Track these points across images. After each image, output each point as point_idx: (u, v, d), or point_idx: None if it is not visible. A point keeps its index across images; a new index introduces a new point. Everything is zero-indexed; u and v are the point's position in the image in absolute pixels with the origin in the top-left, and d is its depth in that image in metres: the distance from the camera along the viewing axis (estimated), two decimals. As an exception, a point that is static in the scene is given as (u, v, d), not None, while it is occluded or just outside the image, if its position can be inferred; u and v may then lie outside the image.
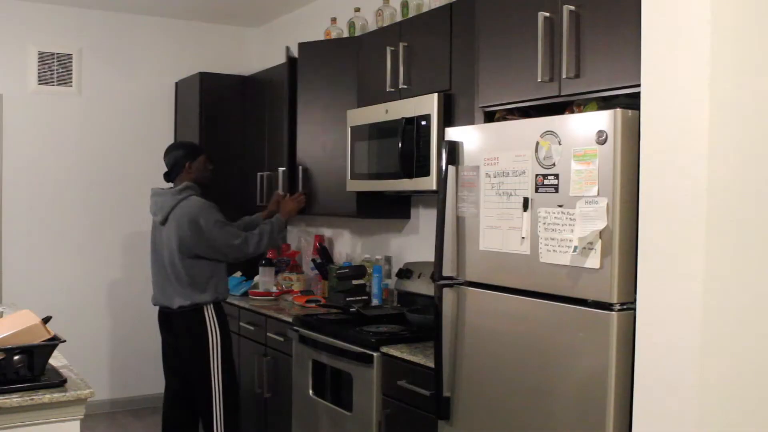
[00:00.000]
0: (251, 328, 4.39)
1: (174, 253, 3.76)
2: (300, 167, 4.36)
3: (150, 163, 5.66)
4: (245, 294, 4.81)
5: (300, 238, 5.12)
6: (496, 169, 2.45)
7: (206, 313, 3.79)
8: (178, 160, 3.88)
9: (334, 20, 4.58)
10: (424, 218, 4.03)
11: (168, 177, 3.95)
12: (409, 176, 3.39)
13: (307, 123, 4.40)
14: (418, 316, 3.46)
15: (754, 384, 1.99)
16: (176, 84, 5.73)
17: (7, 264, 5.25)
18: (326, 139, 4.26)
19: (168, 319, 3.89)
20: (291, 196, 4.26)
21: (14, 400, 2.23)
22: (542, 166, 2.28)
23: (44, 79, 5.30)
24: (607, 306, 2.09)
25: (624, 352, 2.07)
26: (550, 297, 2.27)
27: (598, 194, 2.10)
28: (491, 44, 2.69)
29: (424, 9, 3.79)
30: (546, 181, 2.27)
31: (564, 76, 2.37)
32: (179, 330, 3.83)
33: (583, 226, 2.13)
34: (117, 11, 5.50)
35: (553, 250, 2.23)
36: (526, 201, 2.33)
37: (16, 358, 2.30)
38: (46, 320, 2.48)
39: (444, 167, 2.60)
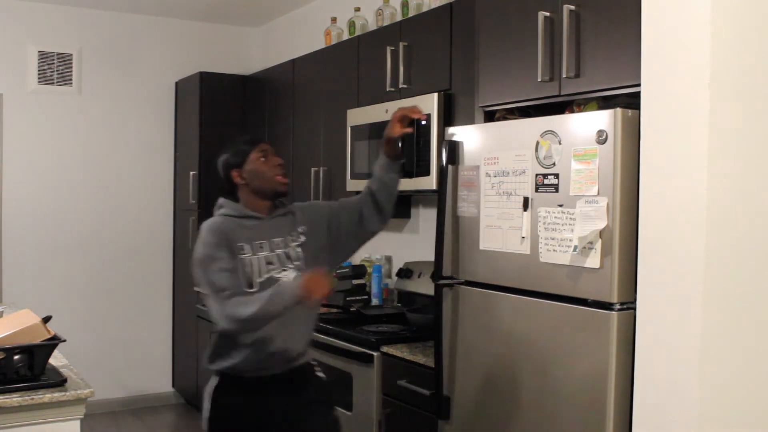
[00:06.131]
0: (251, 328, 4.39)
1: None
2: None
3: (150, 162, 5.68)
4: (245, 294, 4.81)
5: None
6: (496, 168, 2.45)
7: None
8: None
9: (334, 20, 4.58)
10: (424, 218, 4.03)
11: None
12: (409, 176, 3.39)
13: (306, 123, 4.41)
14: (418, 315, 3.46)
15: (754, 384, 1.99)
16: (176, 84, 5.73)
17: (7, 264, 5.25)
18: (326, 138, 4.26)
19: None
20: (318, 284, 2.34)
21: (14, 399, 2.23)
22: (542, 166, 2.28)
23: (44, 78, 5.29)
24: (607, 306, 2.09)
25: (624, 352, 2.07)
26: (550, 297, 2.26)
27: (598, 194, 2.10)
28: (491, 44, 2.68)
29: (424, 9, 3.78)
30: (546, 181, 2.27)
31: (564, 75, 2.37)
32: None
33: (583, 226, 2.13)
34: (117, 11, 5.50)
35: (553, 250, 2.23)
36: (526, 201, 2.33)
37: (16, 357, 2.30)
38: (46, 320, 2.48)
39: (444, 167, 2.60)
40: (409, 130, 2.60)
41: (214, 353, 2.55)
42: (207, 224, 2.51)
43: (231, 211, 2.54)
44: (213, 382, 2.55)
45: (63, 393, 2.30)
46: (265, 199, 2.56)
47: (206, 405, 2.53)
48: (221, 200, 2.60)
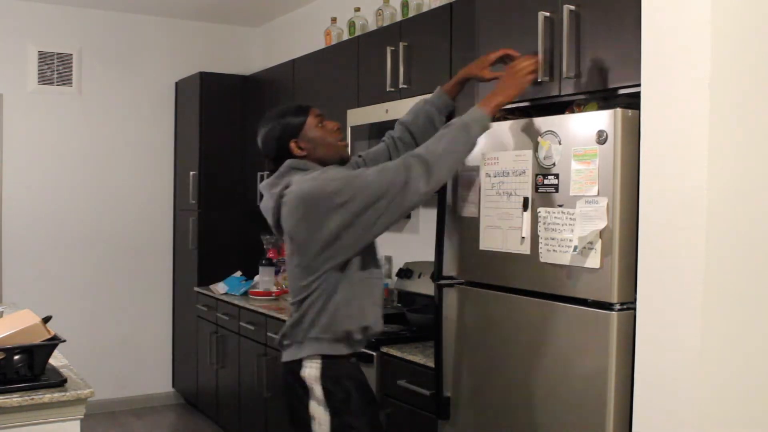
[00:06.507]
0: (251, 327, 4.39)
1: None
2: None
3: (150, 162, 5.68)
4: (245, 294, 4.82)
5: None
6: (496, 168, 2.44)
7: None
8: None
9: (334, 20, 4.58)
10: (424, 218, 4.03)
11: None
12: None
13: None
14: (418, 316, 3.46)
15: (754, 384, 1.99)
16: (176, 84, 5.74)
17: (7, 264, 5.25)
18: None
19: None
20: (522, 60, 2.37)
21: (14, 399, 2.23)
22: (542, 166, 2.28)
23: (44, 79, 5.30)
24: (607, 306, 2.09)
25: (624, 352, 2.07)
26: (550, 297, 2.26)
27: (598, 194, 2.10)
28: (491, 44, 2.68)
29: (424, 9, 3.78)
30: (546, 181, 2.27)
31: (564, 76, 2.36)
32: None
33: (583, 226, 2.13)
34: (117, 11, 5.50)
35: (553, 250, 2.23)
36: (526, 201, 2.33)
37: (16, 357, 2.30)
38: (46, 320, 2.48)
39: (444, 167, 2.60)
40: (502, 74, 2.39)
41: (323, 325, 2.29)
42: (306, 183, 2.23)
43: (310, 175, 2.26)
44: (316, 390, 2.28)
45: (63, 393, 2.30)
46: None
47: (321, 413, 2.28)
48: (291, 162, 2.31)
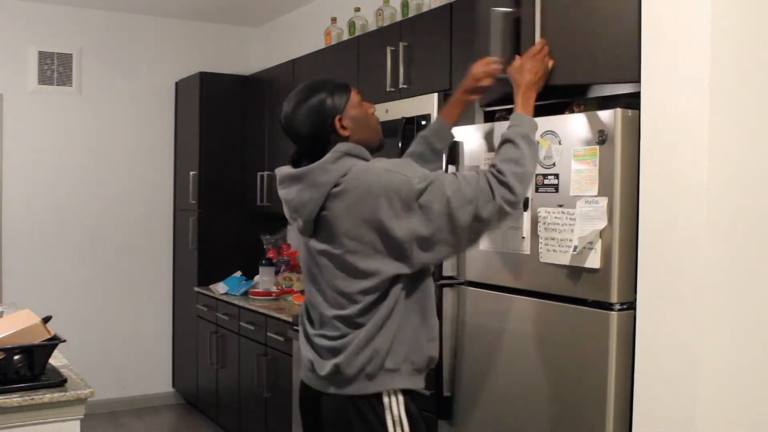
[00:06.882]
0: (251, 328, 4.39)
1: None
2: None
3: (150, 162, 5.68)
4: (245, 294, 4.82)
5: (300, 238, 5.11)
6: (496, 169, 2.44)
7: None
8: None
9: (334, 20, 4.58)
10: (424, 218, 4.02)
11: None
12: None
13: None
14: (418, 316, 3.45)
15: (754, 383, 1.99)
16: (176, 84, 5.73)
17: (7, 264, 5.25)
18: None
19: None
20: (530, 54, 2.20)
21: (14, 399, 2.23)
22: (542, 166, 2.28)
23: (44, 78, 5.29)
24: (607, 306, 2.09)
25: (624, 352, 2.07)
26: (550, 297, 2.26)
27: (598, 194, 2.10)
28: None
29: (424, 9, 3.78)
30: (546, 181, 2.27)
31: (564, 76, 2.36)
32: None
33: (583, 226, 2.13)
34: (117, 11, 5.50)
35: (553, 250, 2.23)
36: (526, 201, 2.33)
37: (16, 357, 2.30)
38: (46, 320, 2.48)
39: (444, 167, 2.60)
40: (487, 84, 2.25)
41: (403, 352, 1.97)
42: (383, 174, 1.93)
43: (379, 164, 1.98)
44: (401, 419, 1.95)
45: (63, 393, 2.30)
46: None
47: None
48: (347, 146, 1.98)
